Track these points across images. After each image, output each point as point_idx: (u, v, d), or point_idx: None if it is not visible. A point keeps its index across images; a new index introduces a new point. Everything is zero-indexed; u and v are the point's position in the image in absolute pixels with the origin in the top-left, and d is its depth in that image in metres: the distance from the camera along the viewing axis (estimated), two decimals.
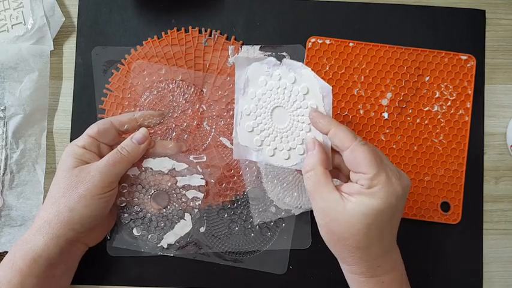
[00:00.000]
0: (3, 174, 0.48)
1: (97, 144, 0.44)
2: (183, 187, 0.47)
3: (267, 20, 0.51)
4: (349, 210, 0.36)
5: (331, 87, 0.40)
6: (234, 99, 0.50)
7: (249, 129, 0.44)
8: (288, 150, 0.43)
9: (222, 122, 0.49)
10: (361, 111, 0.50)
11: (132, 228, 0.47)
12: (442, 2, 0.52)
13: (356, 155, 0.36)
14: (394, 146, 0.50)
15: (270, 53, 0.50)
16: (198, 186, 0.47)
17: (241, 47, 0.50)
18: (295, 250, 0.49)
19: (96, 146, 0.44)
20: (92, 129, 0.44)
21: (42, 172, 0.49)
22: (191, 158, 0.48)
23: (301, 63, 0.41)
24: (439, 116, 0.50)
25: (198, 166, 0.48)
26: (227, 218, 0.49)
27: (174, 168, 0.47)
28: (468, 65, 0.50)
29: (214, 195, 0.49)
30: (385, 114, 0.50)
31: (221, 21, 0.51)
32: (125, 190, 0.46)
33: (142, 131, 0.45)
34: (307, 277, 0.49)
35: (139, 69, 0.50)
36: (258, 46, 0.50)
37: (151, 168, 0.46)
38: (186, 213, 0.47)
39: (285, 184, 0.48)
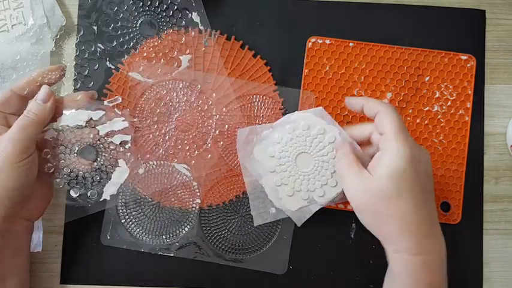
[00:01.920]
0: None
1: (3, 115, 0.42)
2: (107, 134, 0.44)
3: (267, 20, 0.51)
4: (377, 179, 0.38)
5: (321, 107, 0.45)
6: (234, 99, 0.50)
7: (273, 172, 0.47)
8: (309, 191, 0.46)
9: (222, 122, 0.49)
10: None
11: (69, 191, 0.45)
12: (442, 2, 0.52)
13: (384, 116, 0.39)
14: None
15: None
16: (123, 129, 0.45)
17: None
18: (295, 250, 0.49)
19: (3, 118, 0.42)
20: None
21: None
22: (105, 102, 0.45)
23: (290, 115, 0.46)
24: (439, 116, 0.50)
25: (116, 109, 0.45)
26: (227, 218, 0.49)
27: (91, 119, 0.44)
28: (468, 65, 0.50)
29: (214, 195, 0.49)
30: None
31: (221, 21, 0.51)
32: (48, 156, 0.44)
33: (44, 88, 0.42)
34: (307, 277, 0.49)
35: (139, 69, 0.50)
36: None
37: (67, 125, 0.44)
38: (119, 160, 0.45)
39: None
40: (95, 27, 0.51)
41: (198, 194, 0.48)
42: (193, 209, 0.48)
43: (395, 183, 0.37)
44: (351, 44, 0.50)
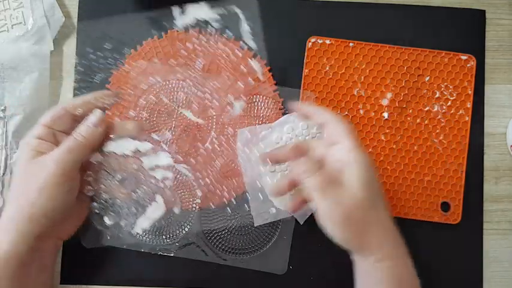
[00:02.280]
0: (3, 174, 0.48)
1: (52, 133, 0.41)
2: (151, 168, 0.45)
3: (267, 20, 0.51)
4: (352, 191, 0.37)
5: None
6: (234, 99, 0.50)
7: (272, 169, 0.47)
8: None
9: (222, 122, 0.49)
10: (361, 111, 0.50)
11: (103, 217, 0.45)
12: (442, 2, 0.52)
13: (336, 126, 0.40)
14: (394, 146, 0.50)
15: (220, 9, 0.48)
16: (167, 165, 0.45)
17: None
18: (295, 250, 0.49)
19: (52, 135, 0.41)
20: (45, 118, 0.41)
21: None
22: (155, 136, 0.46)
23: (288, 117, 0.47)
24: (439, 116, 0.50)
25: (162, 144, 0.45)
26: (227, 218, 0.49)
27: (137, 150, 0.44)
28: (468, 65, 0.50)
29: (214, 195, 0.49)
30: (385, 114, 0.50)
31: (221, 21, 0.51)
32: (90, 178, 0.43)
33: (97, 112, 0.41)
34: (307, 277, 0.49)
35: (139, 69, 0.50)
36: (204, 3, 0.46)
37: (114, 152, 0.43)
38: (157, 195, 0.45)
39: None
40: (95, 27, 0.51)
41: (198, 194, 0.48)
42: (193, 209, 0.48)
43: (369, 192, 0.38)
44: (351, 44, 0.50)
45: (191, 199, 0.49)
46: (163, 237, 0.48)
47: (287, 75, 0.50)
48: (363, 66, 0.50)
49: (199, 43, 0.49)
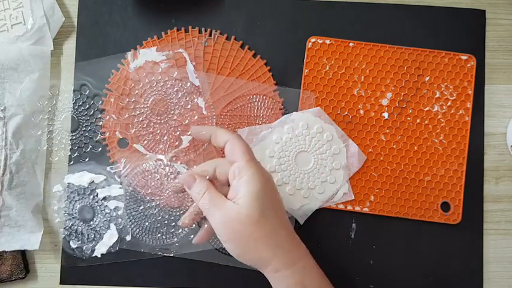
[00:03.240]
0: (3, 174, 0.48)
1: None
2: (104, 198, 0.48)
3: (267, 20, 0.51)
4: (241, 205, 0.38)
5: (319, 108, 0.48)
6: (234, 99, 0.50)
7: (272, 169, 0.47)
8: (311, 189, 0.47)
9: (222, 122, 0.49)
10: (361, 111, 0.50)
11: (69, 241, 0.49)
12: (442, 2, 0.52)
13: (233, 145, 0.40)
14: (394, 146, 0.50)
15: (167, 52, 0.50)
16: (118, 195, 0.49)
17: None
18: None
19: None
20: None
21: (41, 173, 0.49)
22: (108, 168, 0.49)
23: (288, 115, 0.48)
24: (439, 116, 0.50)
25: (115, 176, 0.49)
26: None
27: (93, 181, 0.49)
28: (468, 65, 0.50)
29: None
30: (385, 114, 0.50)
31: (221, 21, 0.51)
32: (56, 207, 0.49)
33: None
34: None
35: (139, 69, 0.50)
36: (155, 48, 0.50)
37: (72, 184, 0.49)
38: (111, 224, 0.49)
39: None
40: (95, 27, 0.51)
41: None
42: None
43: (259, 206, 0.38)
44: (351, 44, 0.50)
45: (191, 199, 0.49)
46: (163, 237, 0.48)
47: (287, 75, 0.50)
48: (363, 66, 0.50)
49: (150, 84, 0.50)
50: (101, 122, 0.50)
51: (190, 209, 0.43)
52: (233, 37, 0.51)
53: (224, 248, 0.48)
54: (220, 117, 0.50)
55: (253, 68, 0.50)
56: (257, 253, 0.38)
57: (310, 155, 0.46)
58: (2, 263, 0.48)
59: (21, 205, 0.48)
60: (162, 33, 0.51)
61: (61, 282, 0.49)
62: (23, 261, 0.48)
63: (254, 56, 0.50)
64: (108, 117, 0.50)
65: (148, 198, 0.49)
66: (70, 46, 0.51)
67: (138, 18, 0.51)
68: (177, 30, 0.51)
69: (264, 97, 0.50)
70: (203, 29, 0.51)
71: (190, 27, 0.51)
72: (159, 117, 0.49)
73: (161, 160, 0.49)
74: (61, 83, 0.51)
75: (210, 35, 0.51)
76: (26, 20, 0.50)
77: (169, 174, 0.49)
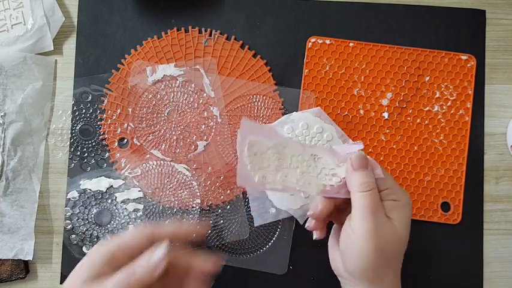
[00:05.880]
0: None
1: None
2: (123, 201, 0.49)
3: (267, 20, 0.51)
4: (399, 227, 0.37)
5: (319, 107, 0.48)
6: (234, 99, 0.50)
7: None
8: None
9: (222, 122, 0.49)
10: (361, 111, 0.50)
11: (82, 247, 0.49)
12: (442, 2, 0.52)
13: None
14: (394, 146, 0.50)
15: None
16: (137, 198, 0.49)
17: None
18: (295, 250, 0.49)
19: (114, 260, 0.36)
20: (120, 242, 0.36)
21: (37, 181, 0.49)
22: (126, 173, 0.49)
23: (294, 114, 0.48)
24: (439, 116, 0.50)
25: (134, 180, 0.49)
26: (227, 218, 0.49)
27: (111, 186, 0.49)
28: (468, 65, 0.50)
29: (214, 195, 0.49)
30: (385, 114, 0.50)
31: (221, 21, 0.51)
32: (69, 213, 0.49)
33: (163, 247, 0.36)
34: (307, 277, 0.49)
35: (139, 69, 0.50)
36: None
37: (89, 190, 0.49)
38: (129, 226, 0.49)
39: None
40: (95, 27, 0.51)
41: (198, 194, 0.48)
42: (193, 209, 0.48)
43: (408, 232, 0.38)
44: (351, 44, 0.50)
45: (191, 199, 0.49)
46: None
47: (287, 75, 0.51)
48: (363, 66, 0.50)
49: (168, 96, 0.50)
50: (106, 121, 0.50)
51: (320, 197, 0.40)
52: (233, 37, 0.51)
53: (219, 246, 0.48)
54: (221, 117, 0.50)
55: (253, 68, 0.50)
56: (381, 272, 0.37)
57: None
58: (2, 263, 0.48)
59: (16, 212, 0.48)
60: (162, 33, 0.51)
61: (61, 282, 0.49)
62: (23, 261, 0.48)
63: (254, 56, 0.50)
64: (108, 120, 0.50)
65: (149, 198, 0.49)
66: (70, 46, 0.51)
67: (138, 18, 0.51)
68: (177, 30, 0.51)
69: (264, 97, 0.50)
70: (203, 29, 0.51)
71: (190, 27, 0.51)
72: (176, 125, 0.49)
73: (161, 160, 0.49)
74: (61, 83, 0.51)
75: (210, 35, 0.51)
76: (26, 20, 0.50)
77: (169, 173, 0.49)
